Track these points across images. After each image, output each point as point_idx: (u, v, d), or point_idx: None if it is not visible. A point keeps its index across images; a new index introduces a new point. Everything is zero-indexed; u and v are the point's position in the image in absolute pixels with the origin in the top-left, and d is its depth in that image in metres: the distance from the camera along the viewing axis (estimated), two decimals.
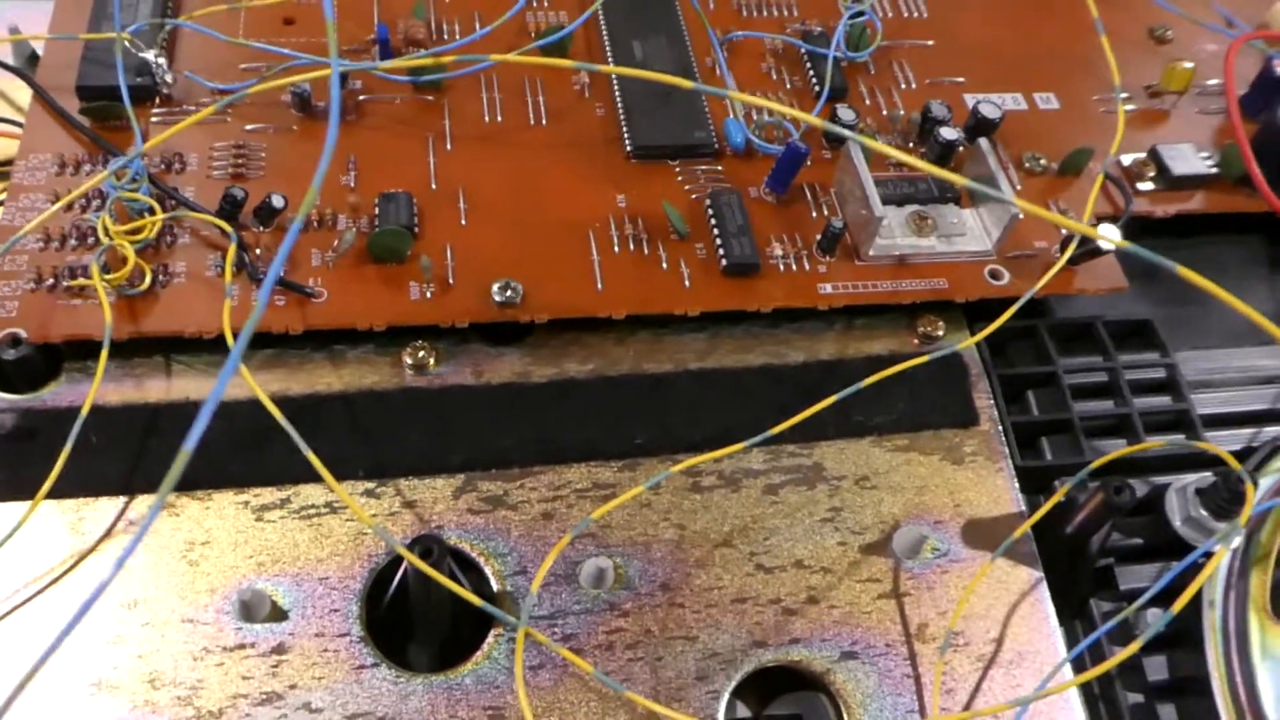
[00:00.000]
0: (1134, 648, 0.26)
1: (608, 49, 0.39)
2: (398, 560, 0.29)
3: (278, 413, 0.28)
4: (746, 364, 0.33)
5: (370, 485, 0.30)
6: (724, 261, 0.34)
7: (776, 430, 0.30)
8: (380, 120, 0.36)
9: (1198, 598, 0.31)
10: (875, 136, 0.38)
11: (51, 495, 0.28)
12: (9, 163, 0.34)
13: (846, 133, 0.25)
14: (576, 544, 0.30)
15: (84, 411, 0.28)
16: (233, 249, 0.30)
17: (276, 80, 0.34)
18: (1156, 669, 0.31)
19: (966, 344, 0.33)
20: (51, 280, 0.31)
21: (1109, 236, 0.32)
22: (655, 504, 0.31)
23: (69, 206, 0.32)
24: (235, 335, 0.30)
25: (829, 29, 0.41)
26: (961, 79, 0.41)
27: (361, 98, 0.36)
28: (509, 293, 0.32)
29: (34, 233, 0.32)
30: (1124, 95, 0.41)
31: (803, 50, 0.40)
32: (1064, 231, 0.36)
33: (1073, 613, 0.32)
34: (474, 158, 0.35)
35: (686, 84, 0.27)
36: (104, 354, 0.29)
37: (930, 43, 0.42)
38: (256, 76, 0.36)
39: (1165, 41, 0.44)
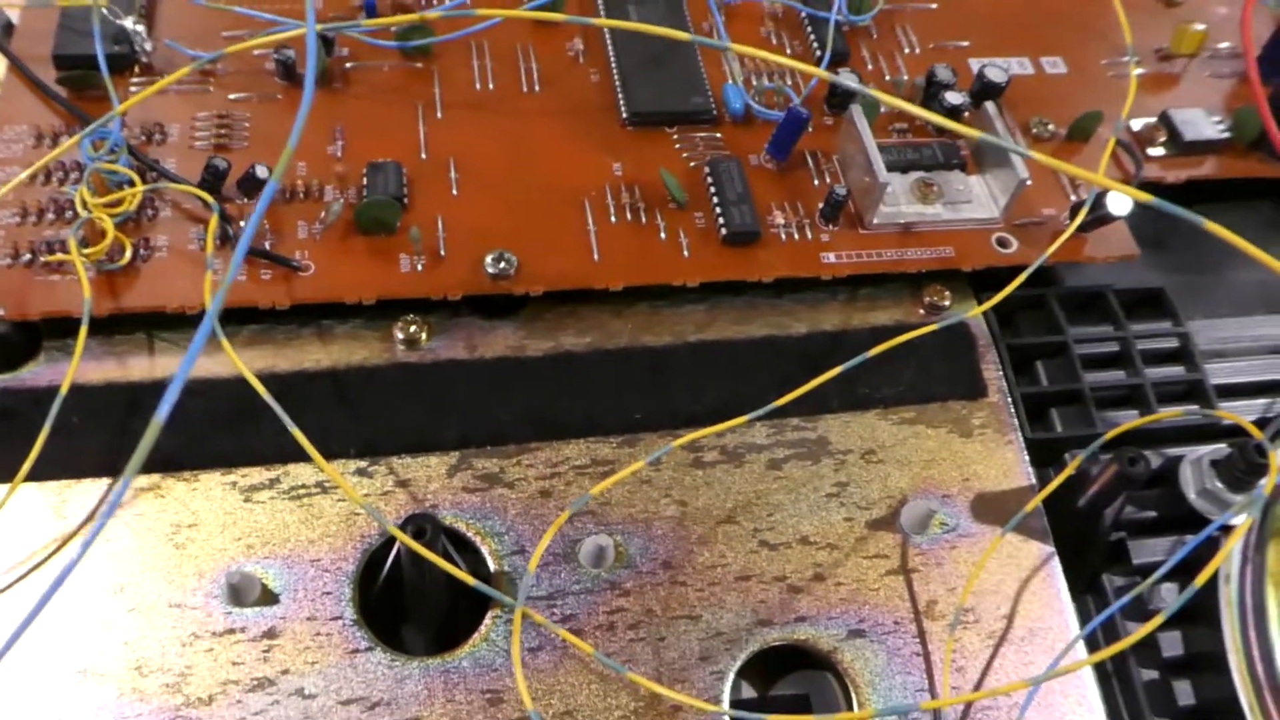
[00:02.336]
0: (1154, 624, 0.25)
1: (602, 13, 0.38)
2: (391, 541, 0.28)
3: (263, 389, 0.27)
4: (748, 335, 0.33)
5: (362, 464, 0.29)
6: (724, 230, 0.33)
7: (780, 403, 0.29)
8: (368, 89, 0.35)
9: (1213, 573, 0.30)
10: (879, 103, 0.37)
11: (32, 477, 0.27)
12: None
13: (854, 85, 0.24)
14: (576, 522, 0.29)
15: (63, 390, 0.27)
16: (214, 220, 0.29)
17: (256, 43, 0.33)
18: (1171, 645, 0.30)
19: (975, 313, 0.32)
20: (28, 255, 0.30)
21: (1122, 200, 0.32)
22: (656, 480, 0.30)
23: (46, 179, 0.31)
24: (230, 308, 0.29)
25: None
26: (966, 43, 0.40)
27: (348, 65, 0.35)
28: (502, 264, 0.31)
29: (9, 207, 0.30)
30: (1129, 59, 0.40)
31: (803, 14, 0.39)
32: (1073, 198, 0.35)
33: (1084, 587, 0.31)
34: (465, 126, 0.34)
35: (683, 36, 0.26)
36: (83, 331, 0.28)
37: (934, 5, 0.41)
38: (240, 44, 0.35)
39: (1175, 4, 0.43)
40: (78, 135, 0.30)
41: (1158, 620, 0.26)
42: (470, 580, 0.25)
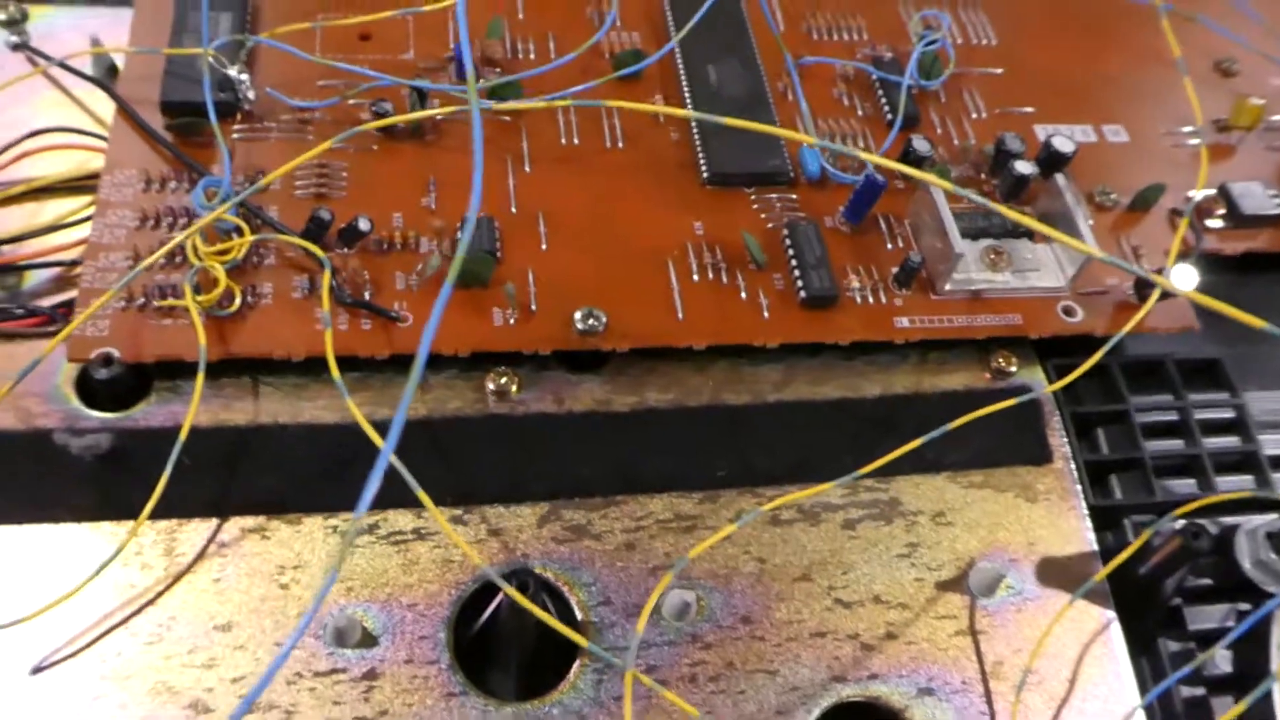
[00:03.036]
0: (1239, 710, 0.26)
1: (682, 73, 0.39)
2: (485, 589, 0.29)
3: (379, 439, 0.28)
4: (823, 396, 0.34)
5: (457, 512, 0.30)
6: (803, 293, 0.34)
7: (865, 471, 0.30)
8: (458, 141, 0.36)
9: (1265, 640, 0.31)
10: (949, 168, 0.38)
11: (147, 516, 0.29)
12: (92, 176, 0.34)
13: (929, 179, 0.25)
14: (659, 574, 0.30)
15: (183, 435, 0.29)
16: (327, 275, 0.30)
17: (361, 96, 0.35)
18: (1223, 709, 0.31)
19: (1052, 389, 0.34)
20: (141, 300, 0.31)
21: (1187, 276, 0.33)
22: (736, 537, 0.31)
23: (155, 224, 0.32)
24: (330, 360, 0.30)
25: (898, 54, 0.41)
26: (1031, 109, 0.41)
27: (439, 117, 0.37)
28: (591, 321, 0.32)
29: (122, 250, 0.32)
30: (1189, 129, 0.41)
31: (874, 77, 0.40)
32: (1138, 271, 0.36)
33: (1139, 651, 0.32)
34: (552, 180, 0.36)
35: (789, 133, 0.27)
36: (200, 376, 0.29)
37: (999, 71, 0.42)
38: (335, 95, 0.36)
39: (1231, 74, 0.44)
40: (197, 187, 0.31)
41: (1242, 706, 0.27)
42: (581, 640, 0.26)
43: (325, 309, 0.30)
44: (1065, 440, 0.34)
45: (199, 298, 0.30)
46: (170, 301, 0.31)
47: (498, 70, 0.38)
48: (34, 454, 0.29)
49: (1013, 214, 0.26)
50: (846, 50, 0.42)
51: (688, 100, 0.38)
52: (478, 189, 0.19)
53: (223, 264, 0.31)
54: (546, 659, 0.29)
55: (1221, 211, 0.39)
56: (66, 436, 0.29)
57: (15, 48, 0.37)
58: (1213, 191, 0.39)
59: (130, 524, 0.29)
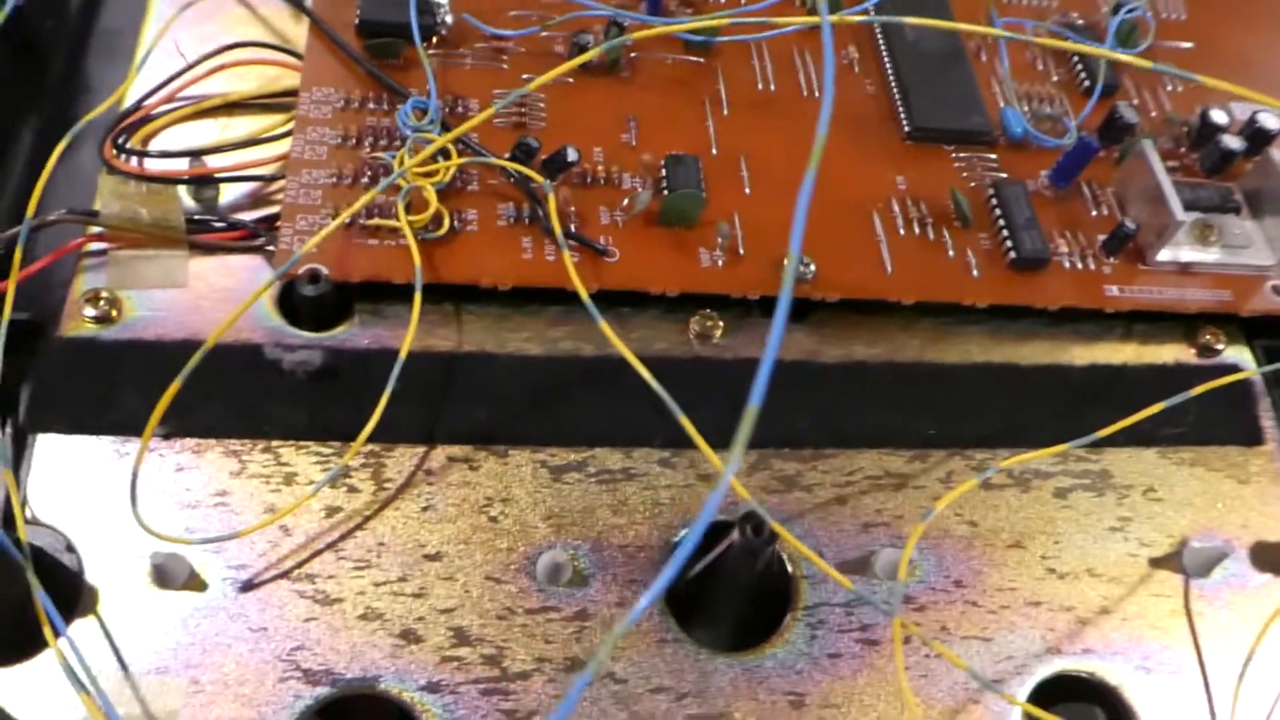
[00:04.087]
0: None
1: (877, 28, 0.38)
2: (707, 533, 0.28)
3: (647, 373, 0.27)
4: (1030, 361, 0.33)
5: (665, 455, 0.29)
6: (1013, 254, 0.33)
7: (1104, 433, 0.29)
8: (653, 80, 0.35)
9: None
10: (1154, 137, 0.37)
11: (352, 438, 0.28)
12: (284, 94, 0.34)
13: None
14: (871, 532, 0.29)
15: (402, 355, 0.28)
16: (552, 200, 0.29)
17: (571, 26, 0.34)
18: None
19: (1265, 370, 0.32)
20: (349, 219, 0.30)
21: None
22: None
23: (357, 144, 0.32)
24: (539, 288, 0.29)
25: (1090, 22, 0.40)
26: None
27: (634, 55, 0.35)
28: (803, 268, 0.31)
29: (326, 167, 0.31)
30: None
31: (1070, 39, 0.39)
32: None
33: None
34: (751, 126, 0.35)
35: None
36: (417, 299, 0.28)
37: (1190, 45, 0.41)
38: (535, 25, 0.35)
39: None
40: (404, 107, 0.30)
41: None
42: (845, 582, 0.26)
43: (558, 231, 0.29)
44: (1275, 422, 0.33)
45: (410, 218, 0.29)
46: (378, 221, 0.30)
47: (690, 10, 0.37)
48: (245, 367, 0.28)
49: None
50: (1038, 13, 0.40)
51: (883, 53, 0.37)
52: (828, 98, 0.18)
53: (432, 185, 0.30)
54: (751, 614, 0.28)
55: None
56: (279, 351, 0.28)
57: None
58: None
59: (338, 445, 0.28)
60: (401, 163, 0.30)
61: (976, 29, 0.34)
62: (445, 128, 0.31)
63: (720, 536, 0.26)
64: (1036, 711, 0.26)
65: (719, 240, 0.31)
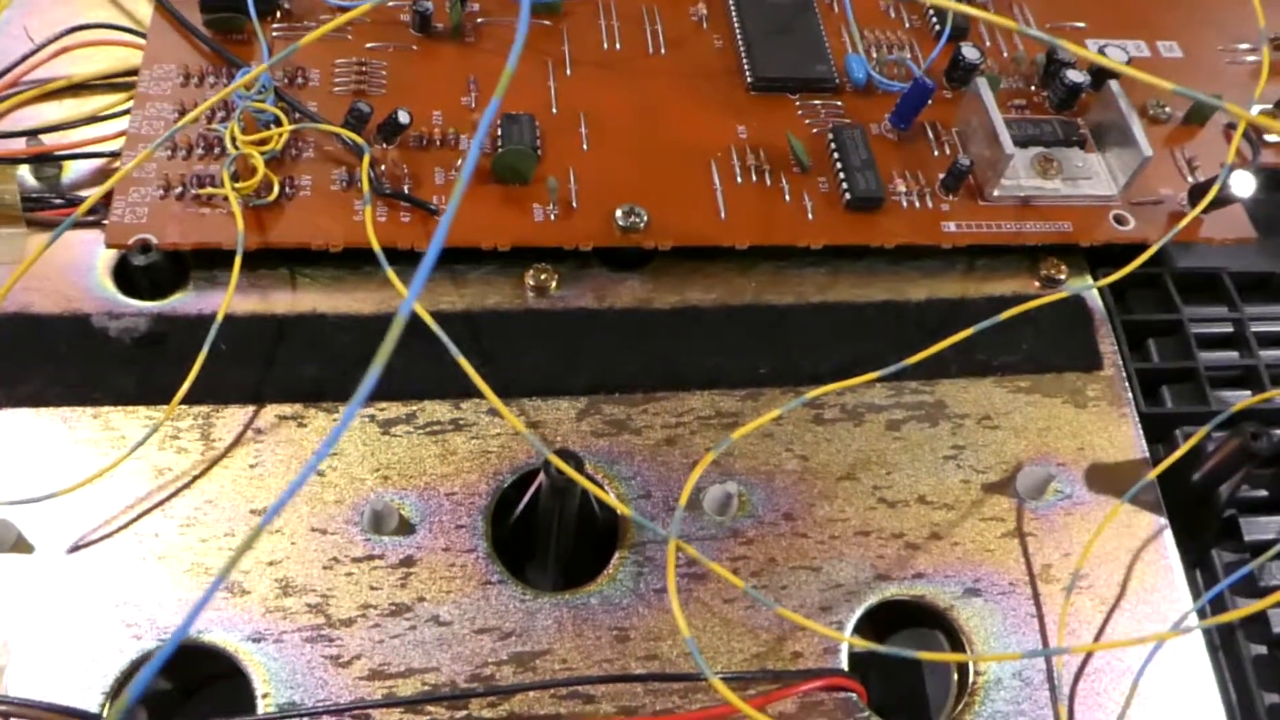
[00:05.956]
0: (1268, 601, 0.26)
1: None
2: (524, 481, 0.29)
3: (438, 328, 0.27)
4: (868, 299, 0.33)
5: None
6: (847, 195, 0.33)
7: (910, 361, 0.29)
8: (499, 44, 0.36)
9: None
10: (999, 77, 0.37)
11: (182, 400, 0.28)
12: (131, 73, 0.34)
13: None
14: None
15: (219, 317, 0.28)
16: (366, 160, 0.30)
17: None
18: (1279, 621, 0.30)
19: (1099, 284, 0.33)
20: (179, 189, 0.31)
21: (1246, 182, 0.32)
22: (778, 434, 0.30)
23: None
24: (367, 248, 0.30)
25: None
26: (1082, 24, 0.40)
27: (479, 20, 0.36)
28: (633, 218, 0.31)
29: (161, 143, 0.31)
30: (1246, 46, 0.40)
31: None
32: (1189, 180, 0.36)
33: (1193, 562, 0.31)
34: (594, 84, 0.35)
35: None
36: (237, 262, 0.29)
37: None
38: None
39: None
40: (254, 70, 0.31)
41: (1273, 599, 0.26)
42: (626, 510, 0.26)
43: (366, 190, 0.30)
44: (1116, 348, 0.33)
45: (237, 185, 0.30)
46: (208, 190, 0.30)
47: None
48: (73, 336, 0.29)
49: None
50: None
51: (732, 8, 0.38)
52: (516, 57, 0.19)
53: (261, 154, 0.31)
54: (584, 555, 0.29)
55: None
56: (105, 319, 0.29)
57: None
58: (1270, 106, 0.38)
59: (166, 408, 0.28)
60: (232, 133, 0.31)
61: None
62: (280, 96, 0.32)
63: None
64: (829, 632, 0.27)
65: (550, 194, 0.32)
